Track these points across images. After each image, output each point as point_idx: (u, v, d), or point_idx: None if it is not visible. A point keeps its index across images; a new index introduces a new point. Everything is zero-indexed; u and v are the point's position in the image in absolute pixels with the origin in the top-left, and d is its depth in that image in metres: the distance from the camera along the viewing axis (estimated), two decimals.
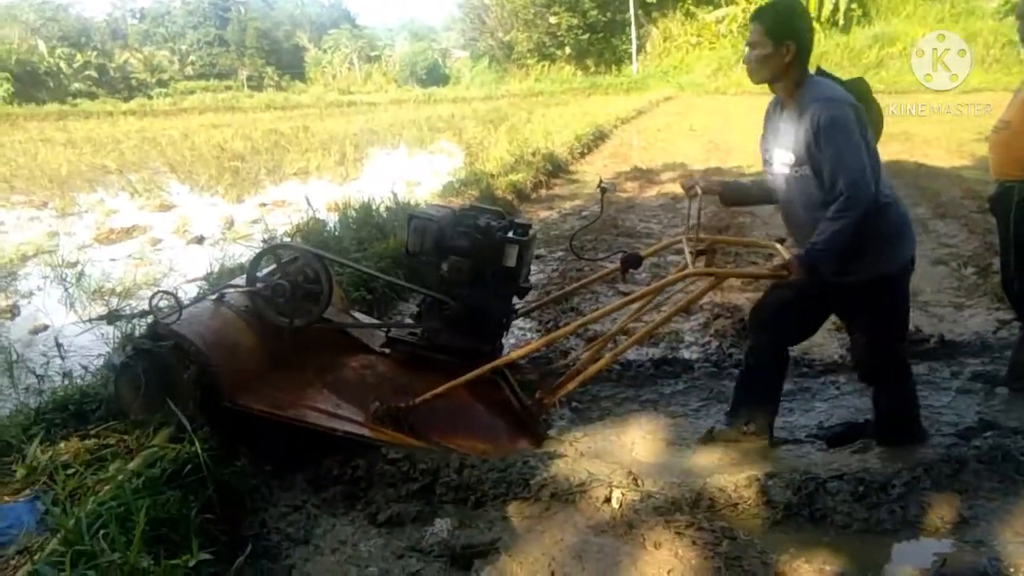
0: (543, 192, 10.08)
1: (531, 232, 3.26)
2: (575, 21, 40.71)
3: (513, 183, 9.34)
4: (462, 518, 2.61)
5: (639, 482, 2.65)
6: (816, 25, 31.87)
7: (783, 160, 2.67)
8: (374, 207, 6.91)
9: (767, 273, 2.85)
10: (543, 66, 42.37)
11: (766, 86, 2.70)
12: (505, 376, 3.17)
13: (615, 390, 3.71)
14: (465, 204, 3.29)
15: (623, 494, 2.55)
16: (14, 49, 43.23)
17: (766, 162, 2.82)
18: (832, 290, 2.73)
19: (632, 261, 3.11)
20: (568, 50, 41.70)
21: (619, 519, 2.47)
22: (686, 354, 4.14)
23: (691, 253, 2.99)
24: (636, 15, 38.81)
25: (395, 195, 7.47)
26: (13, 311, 5.48)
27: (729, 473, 2.69)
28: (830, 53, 29.34)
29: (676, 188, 9.09)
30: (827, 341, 4.08)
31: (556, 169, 11.45)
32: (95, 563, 1.80)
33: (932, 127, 13.08)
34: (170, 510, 2.25)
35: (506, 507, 2.62)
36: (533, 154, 11.32)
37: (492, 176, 9.44)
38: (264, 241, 6.72)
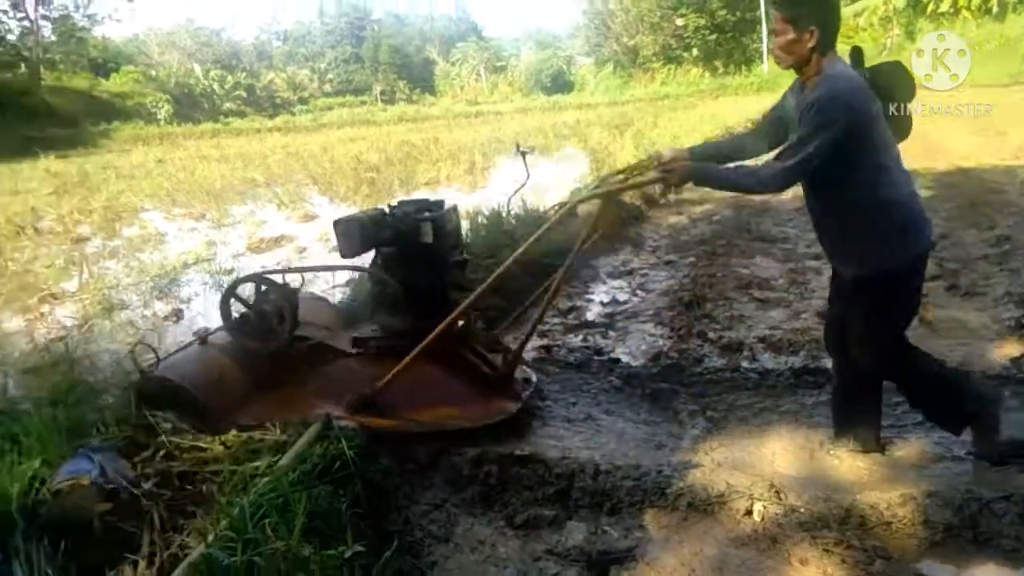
0: (671, 197, 9.91)
1: (445, 208, 3.46)
2: (702, 22, 39.88)
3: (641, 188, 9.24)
4: (598, 524, 2.61)
5: (782, 495, 2.55)
6: (967, 14, 29.76)
7: None
8: (503, 214, 7.02)
9: (649, 179, 2.89)
10: (669, 69, 41.74)
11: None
12: (471, 345, 3.37)
13: (752, 399, 3.60)
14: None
15: (765, 507, 2.48)
16: (174, 73, 47.15)
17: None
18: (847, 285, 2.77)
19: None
20: (695, 52, 40.88)
21: (761, 533, 2.40)
22: (829, 364, 3.95)
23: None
24: (767, 12, 37.51)
25: (524, 202, 7.56)
26: (177, 315, 5.95)
27: (881, 490, 2.55)
28: (982, 43, 27.26)
29: None
30: (987, 351, 3.81)
31: None
32: (259, 550, 1.93)
33: None
34: (322, 504, 2.38)
35: (642, 515, 2.61)
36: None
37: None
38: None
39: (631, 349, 4.45)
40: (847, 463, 2.87)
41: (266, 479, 2.45)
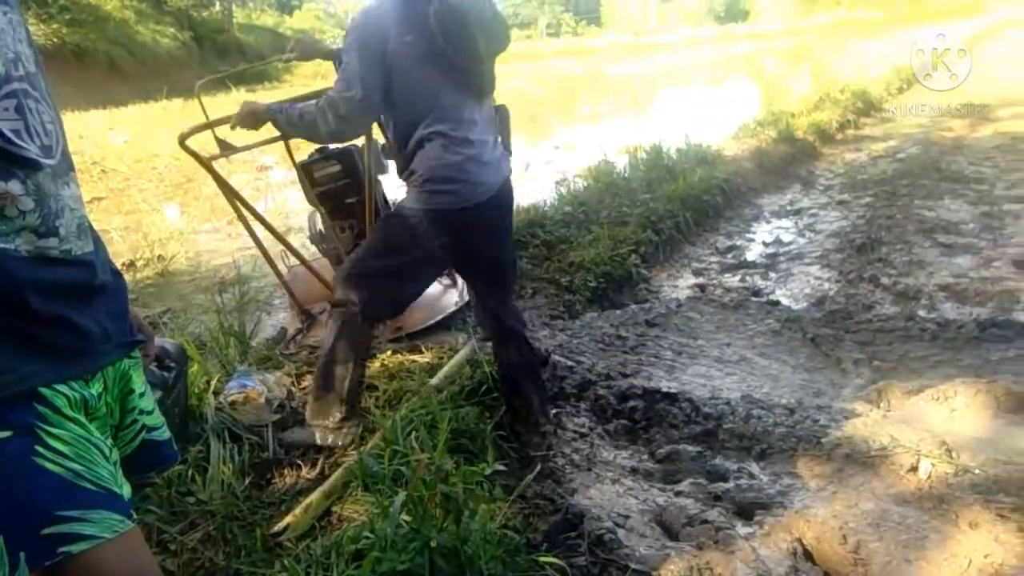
0: (850, 132, 9.20)
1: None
2: None
3: (816, 123, 8.63)
4: (745, 467, 2.53)
5: (953, 454, 2.35)
6: None
7: None
8: (664, 149, 6.81)
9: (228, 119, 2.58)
10: None
11: None
12: None
13: (928, 351, 3.31)
14: None
15: (933, 465, 2.29)
16: (350, 9, 48.93)
17: None
18: None
19: None
20: None
21: (927, 491, 2.22)
22: (1023, 316, 3.56)
23: None
24: None
25: (687, 137, 7.28)
26: None
27: None
28: None
29: (1017, 127, 7.82)
30: None
31: (867, 107, 10.39)
32: (407, 460, 2.03)
33: None
34: (468, 423, 2.46)
35: (794, 462, 2.49)
36: (841, 91, 10.36)
37: (792, 116, 8.81)
38: None
39: (793, 292, 4.22)
40: None
41: (416, 397, 2.57)
